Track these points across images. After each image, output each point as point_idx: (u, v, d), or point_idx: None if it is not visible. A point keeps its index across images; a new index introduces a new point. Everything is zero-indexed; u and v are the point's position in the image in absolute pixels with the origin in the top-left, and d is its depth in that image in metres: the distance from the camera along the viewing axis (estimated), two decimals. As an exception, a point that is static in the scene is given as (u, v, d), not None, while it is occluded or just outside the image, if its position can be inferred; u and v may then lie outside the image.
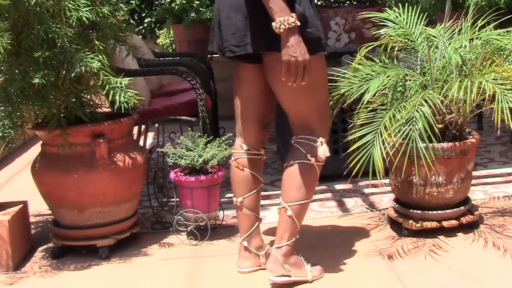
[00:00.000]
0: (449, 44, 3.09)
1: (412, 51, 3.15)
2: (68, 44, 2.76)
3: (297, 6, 2.40)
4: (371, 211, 3.42)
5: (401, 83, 2.95)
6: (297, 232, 2.61)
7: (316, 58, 2.49)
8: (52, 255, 3.06)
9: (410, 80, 2.97)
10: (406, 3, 3.34)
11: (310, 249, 2.91)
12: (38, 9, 2.76)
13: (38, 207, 3.53)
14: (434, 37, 3.16)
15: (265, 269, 2.68)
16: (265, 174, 3.68)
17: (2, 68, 2.88)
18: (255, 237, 2.75)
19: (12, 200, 3.17)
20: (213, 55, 6.45)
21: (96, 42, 2.88)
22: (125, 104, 2.86)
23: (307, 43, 2.39)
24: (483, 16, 3.11)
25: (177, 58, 4.96)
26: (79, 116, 2.97)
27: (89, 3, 2.85)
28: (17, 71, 2.76)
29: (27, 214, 3.19)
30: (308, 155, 2.55)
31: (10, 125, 2.85)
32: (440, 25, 3.19)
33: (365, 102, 2.85)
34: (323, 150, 2.56)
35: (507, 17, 3.52)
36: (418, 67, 3.13)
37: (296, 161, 2.57)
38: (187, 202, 3.13)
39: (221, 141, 3.19)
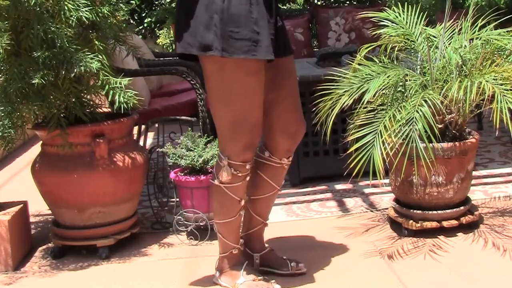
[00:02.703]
0: (449, 44, 3.09)
1: (412, 51, 3.15)
2: (67, 44, 2.76)
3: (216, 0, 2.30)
4: (371, 211, 3.42)
5: (401, 83, 2.95)
6: (229, 248, 2.58)
7: (234, 62, 2.31)
8: (52, 255, 3.06)
9: (410, 80, 2.97)
10: (406, 3, 3.34)
11: (310, 249, 2.91)
12: (38, 9, 2.76)
13: (38, 207, 3.53)
14: (434, 37, 3.16)
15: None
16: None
17: (2, 68, 2.88)
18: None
19: (12, 200, 3.17)
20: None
21: (96, 42, 2.88)
22: (125, 104, 2.86)
23: (228, 42, 2.28)
24: (483, 16, 3.10)
25: (177, 58, 4.95)
26: (79, 116, 2.97)
27: (89, 3, 2.85)
28: (16, 71, 2.76)
29: (27, 214, 3.19)
30: (214, 175, 2.50)
31: (10, 125, 2.85)
32: (440, 25, 3.19)
33: (365, 102, 2.85)
34: (222, 172, 2.44)
35: (507, 17, 3.52)
36: (418, 67, 3.13)
37: (210, 180, 2.56)
38: (187, 202, 3.13)
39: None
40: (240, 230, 2.71)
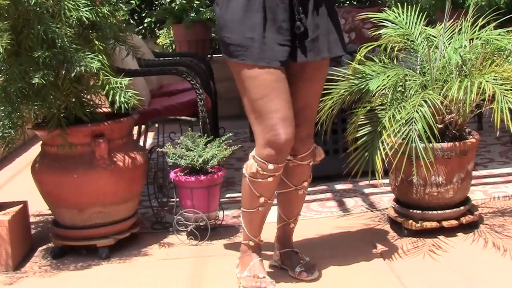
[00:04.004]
0: (449, 44, 3.09)
1: (412, 51, 3.15)
2: (68, 44, 2.76)
3: (215, 6, 2.47)
4: (371, 211, 3.42)
5: (401, 83, 2.95)
6: (247, 238, 2.63)
7: (237, 65, 2.44)
8: (52, 255, 3.06)
9: (410, 80, 2.97)
10: (406, 3, 3.34)
11: (310, 249, 2.90)
12: (38, 9, 2.76)
13: (38, 207, 3.53)
14: (434, 37, 3.16)
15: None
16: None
17: (2, 68, 2.88)
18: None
19: (12, 200, 3.17)
20: (213, 55, 6.45)
21: (96, 42, 2.88)
22: (125, 104, 2.86)
23: (224, 47, 2.45)
24: (483, 16, 3.11)
25: (177, 58, 4.96)
26: (79, 116, 2.97)
27: (89, 3, 2.85)
28: (17, 71, 2.76)
29: (27, 214, 3.18)
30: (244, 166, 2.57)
31: (10, 125, 2.85)
32: (440, 25, 3.19)
33: (365, 102, 2.85)
34: (247, 165, 2.53)
35: (507, 17, 3.52)
36: (418, 67, 3.13)
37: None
38: (187, 202, 3.13)
39: (221, 141, 3.19)
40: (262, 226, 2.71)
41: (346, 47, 2.59)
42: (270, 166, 2.47)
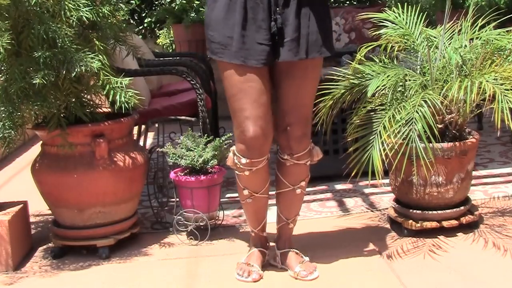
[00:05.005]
0: (449, 44, 3.09)
1: (412, 51, 3.15)
2: (68, 44, 2.76)
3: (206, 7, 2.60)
4: (371, 211, 3.42)
5: (401, 83, 2.95)
6: (250, 228, 2.79)
7: (220, 62, 2.55)
8: (52, 255, 3.06)
9: (410, 80, 2.97)
10: (406, 3, 3.34)
11: (310, 249, 2.90)
12: (38, 9, 2.77)
13: (38, 207, 3.53)
14: (434, 37, 3.16)
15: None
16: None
17: (3, 68, 2.88)
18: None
19: (12, 200, 3.17)
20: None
21: (96, 42, 2.88)
22: (125, 104, 2.87)
23: (209, 44, 2.57)
24: (483, 16, 3.11)
25: (177, 58, 4.96)
26: (79, 116, 2.97)
27: (89, 3, 2.85)
28: (17, 71, 2.76)
29: (27, 214, 3.19)
30: None
31: (11, 125, 2.85)
32: (441, 26, 3.19)
33: (364, 102, 2.85)
34: (227, 158, 2.70)
35: (507, 17, 3.52)
36: (418, 67, 3.13)
37: None
38: (187, 202, 3.13)
39: (221, 141, 3.19)
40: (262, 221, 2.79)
41: (331, 49, 2.60)
42: (243, 160, 2.59)
